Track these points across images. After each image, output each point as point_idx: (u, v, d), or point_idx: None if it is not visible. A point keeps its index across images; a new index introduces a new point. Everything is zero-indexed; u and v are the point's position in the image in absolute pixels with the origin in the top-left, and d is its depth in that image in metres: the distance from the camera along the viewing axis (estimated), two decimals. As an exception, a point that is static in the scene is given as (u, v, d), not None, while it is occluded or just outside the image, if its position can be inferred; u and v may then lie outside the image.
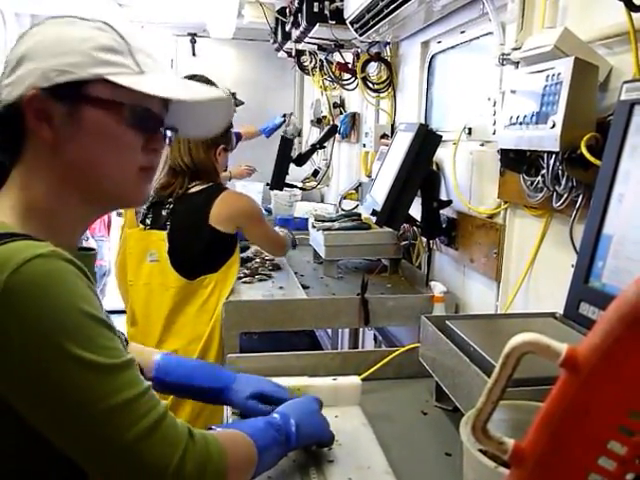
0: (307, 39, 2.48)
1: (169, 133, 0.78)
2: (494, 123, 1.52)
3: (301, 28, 2.34)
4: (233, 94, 3.07)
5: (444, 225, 1.78)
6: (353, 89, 2.74)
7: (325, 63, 2.87)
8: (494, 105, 1.53)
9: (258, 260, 2.18)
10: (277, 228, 2.17)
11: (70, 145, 0.69)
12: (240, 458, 0.75)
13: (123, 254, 1.95)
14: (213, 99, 0.76)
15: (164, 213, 1.78)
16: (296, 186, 3.21)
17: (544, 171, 1.14)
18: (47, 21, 0.71)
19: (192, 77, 2.75)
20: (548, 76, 1.08)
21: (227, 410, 1.10)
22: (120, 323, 1.86)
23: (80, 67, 0.67)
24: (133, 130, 0.71)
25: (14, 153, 0.71)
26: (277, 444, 0.84)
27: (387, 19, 1.80)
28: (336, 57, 2.76)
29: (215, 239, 1.74)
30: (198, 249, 1.75)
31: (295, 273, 2.10)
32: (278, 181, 2.90)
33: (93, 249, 0.79)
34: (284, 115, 3.24)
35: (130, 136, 0.72)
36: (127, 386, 0.62)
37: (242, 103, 3.23)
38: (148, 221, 1.82)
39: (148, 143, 0.74)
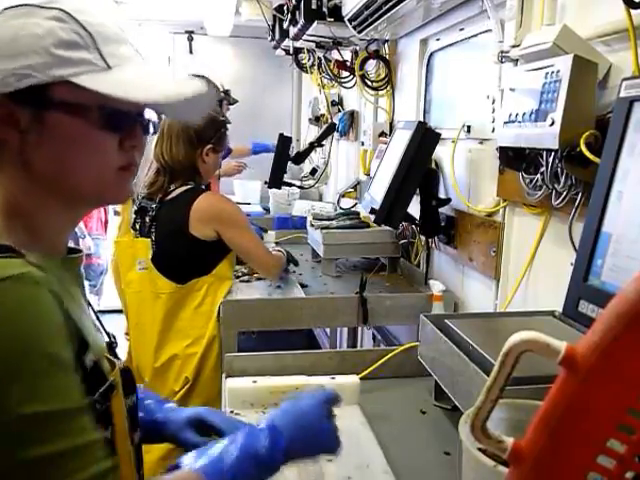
0: (305, 37, 2.47)
1: (152, 121, 0.72)
2: (493, 121, 1.52)
3: (299, 25, 2.33)
4: (226, 91, 3.05)
5: (443, 223, 1.77)
6: (351, 87, 2.73)
7: (323, 61, 2.86)
8: (493, 103, 1.53)
9: None
10: (274, 248, 2.04)
11: (39, 152, 0.64)
12: None
13: (116, 260, 1.96)
14: (183, 96, 0.67)
15: (147, 220, 1.77)
16: (294, 184, 3.21)
17: (543, 169, 1.13)
18: (4, 12, 0.64)
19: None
20: (547, 73, 1.08)
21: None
22: (115, 323, 1.87)
23: (39, 69, 0.61)
24: (104, 132, 0.66)
25: None
26: (251, 475, 0.73)
27: (385, 16, 1.80)
28: (334, 55, 2.75)
29: (198, 246, 1.71)
30: (183, 255, 1.74)
31: (293, 272, 2.10)
32: (276, 179, 2.90)
33: (80, 251, 0.76)
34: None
35: (102, 138, 0.66)
36: (72, 434, 0.57)
37: (236, 102, 3.20)
38: (137, 226, 1.82)
39: (124, 142, 0.68)
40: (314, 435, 0.79)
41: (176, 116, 0.77)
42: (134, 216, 1.83)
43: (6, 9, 0.64)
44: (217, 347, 1.74)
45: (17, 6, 0.64)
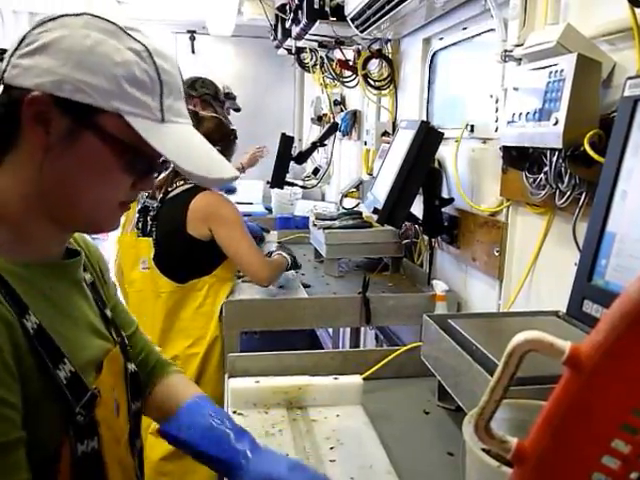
0: (307, 36, 2.47)
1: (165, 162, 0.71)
2: (496, 120, 1.51)
3: (301, 25, 2.33)
4: (228, 94, 3.05)
5: (446, 223, 1.77)
6: (354, 86, 2.73)
7: (326, 60, 2.86)
8: (496, 102, 1.52)
9: None
10: (277, 251, 1.93)
11: (56, 162, 0.63)
12: None
13: (119, 260, 1.96)
14: (222, 182, 0.69)
15: (149, 219, 1.78)
16: (297, 184, 3.20)
17: (547, 168, 1.13)
18: (88, 18, 0.62)
19: (195, 81, 2.75)
20: (551, 73, 1.07)
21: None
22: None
23: (100, 94, 0.61)
24: (125, 172, 0.65)
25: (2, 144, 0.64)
26: None
27: (388, 16, 1.80)
28: (337, 54, 2.75)
29: (196, 245, 1.71)
30: (182, 255, 1.73)
31: (296, 272, 2.09)
32: (278, 179, 2.89)
33: (79, 253, 0.74)
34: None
35: (121, 175, 0.66)
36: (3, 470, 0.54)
37: (239, 110, 3.20)
38: (140, 225, 1.82)
39: (137, 184, 0.68)
40: None
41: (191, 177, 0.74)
42: (137, 215, 1.83)
43: (93, 16, 0.63)
44: (219, 348, 1.74)
45: (104, 20, 0.63)
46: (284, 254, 1.91)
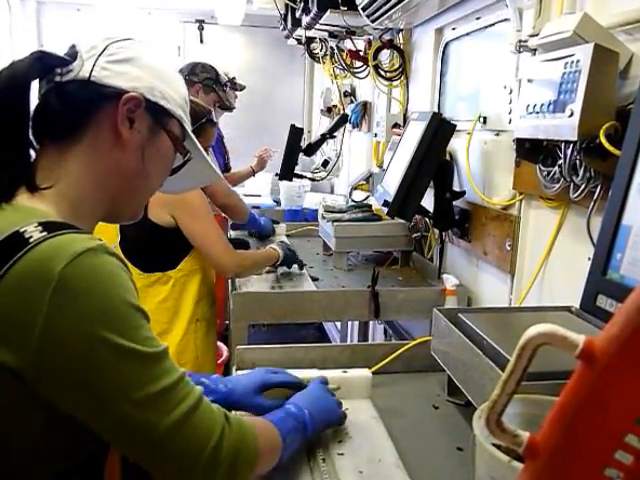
0: (318, 26, 2.45)
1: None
2: (510, 112, 1.49)
3: (311, 14, 2.31)
4: (232, 79, 3.04)
5: (457, 217, 1.75)
6: (364, 77, 2.70)
7: (336, 51, 2.83)
8: (510, 93, 1.50)
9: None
10: (270, 245, 1.88)
11: (135, 152, 0.76)
12: (269, 445, 0.79)
13: None
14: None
15: None
16: (305, 177, 3.19)
17: (561, 161, 1.11)
18: (148, 46, 0.80)
19: (195, 66, 2.71)
20: (567, 63, 1.05)
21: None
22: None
23: (174, 104, 0.79)
24: (170, 167, 0.84)
25: (64, 133, 0.73)
26: (297, 432, 0.87)
27: (400, 5, 1.77)
28: (347, 44, 2.73)
29: (158, 232, 1.66)
30: (144, 241, 1.69)
31: (304, 265, 2.09)
32: (287, 171, 2.88)
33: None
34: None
35: (167, 170, 0.84)
36: (166, 374, 0.65)
37: (243, 87, 3.18)
38: None
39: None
40: (325, 405, 0.96)
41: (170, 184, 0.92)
42: None
43: (150, 49, 0.80)
44: (192, 351, 1.72)
45: (160, 55, 0.81)
46: (276, 248, 1.86)
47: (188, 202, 1.64)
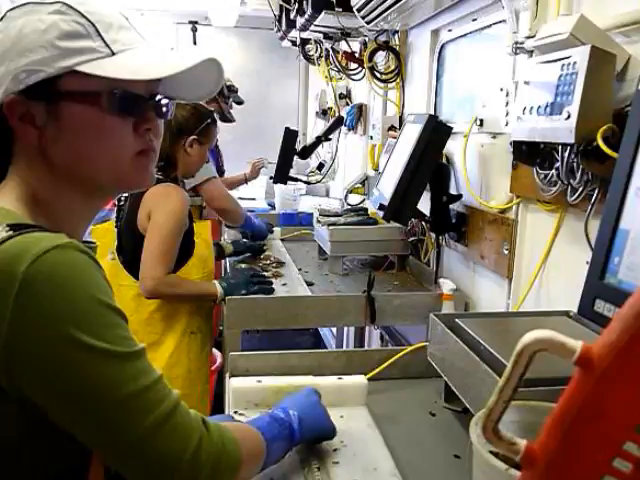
0: (312, 27, 2.44)
1: (164, 103, 0.72)
2: (506, 114, 1.49)
3: (306, 16, 2.30)
4: (229, 87, 3.03)
5: (454, 220, 1.74)
6: (360, 79, 2.70)
7: (331, 52, 2.82)
8: (507, 96, 1.50)
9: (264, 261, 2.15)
10: (218, 280, 1.71)
11: (57, 144, 0.67)
12: (251, 450, 0.76)
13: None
14: (191, 66, 0.69)
15: (116, 209, 1.74)
16: (300, 180, 3.18)
17: (558, 164, 1.11)
18: (7, 14, 0.68)
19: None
20: (563, 65, 1.05)
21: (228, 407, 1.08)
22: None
23: (46, 63, 0.64)
24: (117, 117, 0.68)
25: (6, 153, 0.70)
26: (282, 438, 0.85)
27: (396, 6, 1.77)
28: (342, 46, 2.71)
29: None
30: (135, 250, 1.64)
31: (299, 270, 2.07)
32: (282, 175, 2.87)
33: (93, 242, 0.79)
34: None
35: (115, 123, 0.68)
36: (141, 374, 0.62)
37: (242, 103, 3.17)
38: (115, 215, 1.77)
39: (138, 125, 0.70)
40: (315, 412, 0.94)
41: (185, 96, 0.79)
42: (117, 204, 1.78)
43: (9, 11, 0.68)
44: (184, 365, 1.68)
45: (19, 6, 0.68)
46: (217, 286, 1.67)
47: (161, 214, 1.59)
